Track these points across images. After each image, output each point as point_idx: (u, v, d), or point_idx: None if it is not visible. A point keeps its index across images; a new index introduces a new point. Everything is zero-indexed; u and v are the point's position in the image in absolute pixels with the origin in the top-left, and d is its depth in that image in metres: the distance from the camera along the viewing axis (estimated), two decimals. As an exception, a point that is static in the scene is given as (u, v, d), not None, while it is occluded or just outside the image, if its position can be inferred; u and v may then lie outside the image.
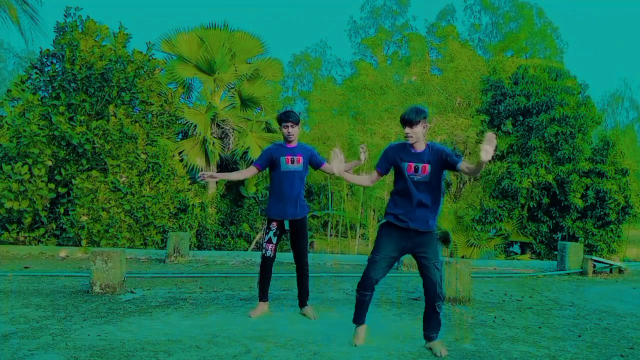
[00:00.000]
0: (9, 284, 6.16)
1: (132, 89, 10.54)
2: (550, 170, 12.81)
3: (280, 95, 27.37)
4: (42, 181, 9.44)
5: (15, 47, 36.45)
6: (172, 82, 13.92)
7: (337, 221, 20.71)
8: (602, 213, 12.44)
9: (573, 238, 12.54)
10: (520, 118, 13.76)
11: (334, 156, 3.88)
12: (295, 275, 5.00)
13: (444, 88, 18.21)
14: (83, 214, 9.44)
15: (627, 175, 12.64)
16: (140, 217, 9.82)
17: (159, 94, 11.37)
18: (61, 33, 10.55)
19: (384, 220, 3.95)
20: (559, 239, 12.94)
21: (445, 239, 14.00)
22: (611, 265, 8.52)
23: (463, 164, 3.79)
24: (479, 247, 13.00)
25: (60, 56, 10.46)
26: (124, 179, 9.84)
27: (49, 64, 10.60)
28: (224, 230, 13.57)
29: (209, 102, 13.94)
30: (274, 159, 4.77)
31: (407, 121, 3.74)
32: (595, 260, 8.41)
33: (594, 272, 8.27)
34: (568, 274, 8.17)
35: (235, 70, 14.38)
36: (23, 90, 10.36)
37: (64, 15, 10.60)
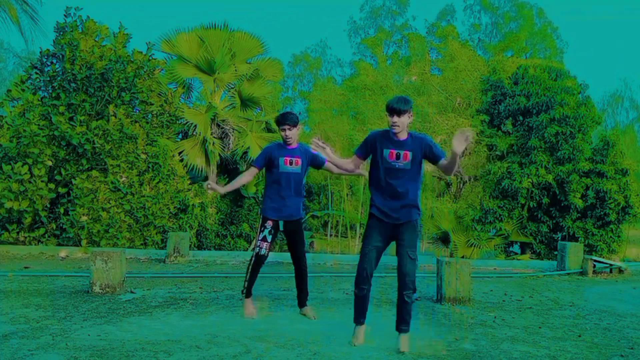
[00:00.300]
0: (9, 284, 6.16)
1: (132, 89, 10.54)
2: (550, 170, 12.81)
3: (280, 95, 27.39)
4: (42, 181, 9.44)
5: (15, 47, 36.42)
6: (172, 82, 13.91)
7: (337, 221, 20.70)
8: (602, 213, 12.43)
9: (573, 238, 12.53)
10: (520, 118, 13.76)
11: (316, 145, 4.04)
12: (294, 275, 4.99)
13: (444, 88, 18.20)
14: (83, 214, 9.44)
15: (627, 175, 12.63)
16: (140, 217, 9.82)
17: (159, 94, 11.37)
18: (61, 33, 10.55)
19: (369, 213, 4.06)
20: (559, 239, 12.93)
21: (445, 239, 14.00)
22: (611, 265, 8.52)
23: (443, 161, 3.88)
24: (479, 247, 13.00)
25: (60, 56, 10.46)
26: (124, 179, 9.84)
27: (49, 64, 10.60)
28: (224, 230, 13.57)
29: (209, 102, 13.94)
30: (272, 158, 4.75)
31: (396, 110, 3.79)
32: (595, 260, 8.41)
33: (594, 272, 8.27)
34: (568, 274, 8.17)
35: (235, 70, 14.37)
36: (23, 90, 10.36)
37: (64, 15, 10.61)
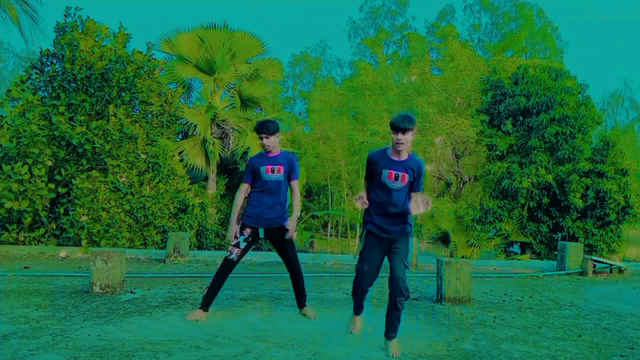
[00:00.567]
0: (9, 284, 6.16)
1: (132, 89, 10.54)
2: (550, 170, 12.81)
3: (280, 95, 27.40)
4: (42, 181, 9.44)
5: (15, 47, 36.45)
6: (172, 82, 13.92)
7: (337, 221, 20.71)
8: (602, 213, 12.43)
9: (573, 238, 12.53)
10: (520, 118, 13.76)
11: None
12: (290, 278, 4.96)
13: (444, 88, 18.21)
14: (83, 214, 9.44)
15: (627, 175, 12.63)
16: (140, 217, 9.82)
17: (159, 94, 11.37)
18: (61, 33, 10.55)
19: (366, 230, 4.08)
20: (559, 239, 12.93)
21: (445, 239, 14.00)
22: (611, 265, 8.52)
23: (414, 196, 3.93)
24: (479, 247, 13.00)
25: (60, 56, 10.46)
26: (124, 179, 9.84)
27: (49, 64, 10.60)
28: (224, 230, 13.55)
29: (209, 102, 13.94)
30: (255, 169, 4.72)
31: (402, 129, 3.82)
32: (595, 260, 8.42)
33: (594, 272, 8.27)
34: (568, 274, 8.17)
35: (235, 70, 14.38)
36: (23, 90, 10.36)
37: (64, 15, 10.61)
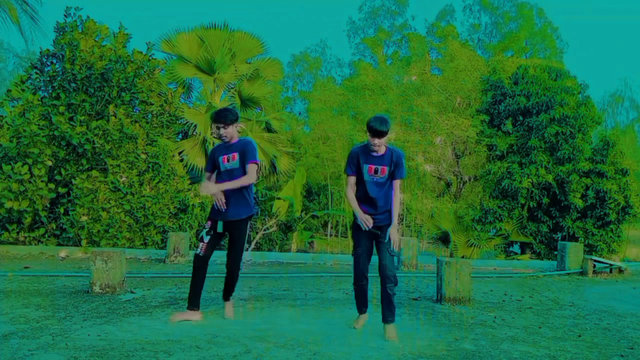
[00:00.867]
0: (9, 284, 6.16)
1: (132, 89, 10.54)
2: (550, 170, 12.81)
3: (280, 95, 27.41)
4: (42, 181, 9.44)
5: (15, 47, 36.43)
6: (172, 82, 13.92)
7: (337, 221, 20.70)
8: (602, 213, 12.44)
9: (573, 238, 12.54)
10: (520, 118, 13.76)
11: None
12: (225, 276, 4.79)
13: (444, 88, 18.21)
14: (83, 214, 9.44)
15: (627, 175, 12.64)
16: (140, 217, 9.82)
17: (159, 94, 11.36)
18: (61, 33, 10.55)
19: (354, 220, 4.46)
20: (559, 239, 12.94)
21: (445, 239, 14.00)
22: (611, 265, 8.52)
23: (396, 183, 4.36)
24: (479, 247, 13.00)
25: (60, 56, 10.46)
26: (124, 179, 9.84)
27: (49, 64, 10.59)
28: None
29: (209, 102, 13.94)
30: (215, 159, 4.61)
31: (378, 132, 4.16)
32: (595, 260, 8.42)
33: (594, 272, 8.27)
34: (568, 274, 8.17)
35: (235, 70, 14.38)
36: (23, 90, 10.36)
37: (64, 15, 10.60)
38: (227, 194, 4.51)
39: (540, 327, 4.84)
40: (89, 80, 10.16)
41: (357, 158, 4.34)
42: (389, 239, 4.26)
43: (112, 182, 9.72)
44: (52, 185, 9.62)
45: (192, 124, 13.21)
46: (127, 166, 9.98)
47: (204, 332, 4.31)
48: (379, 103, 18.11)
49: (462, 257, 12.59)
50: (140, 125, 10.34)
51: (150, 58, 11.20)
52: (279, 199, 16.15)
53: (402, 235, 15.15)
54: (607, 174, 12.51)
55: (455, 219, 13.70)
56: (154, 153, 10.31)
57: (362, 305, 4.55)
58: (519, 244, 14.26)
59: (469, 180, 17.85)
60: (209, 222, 4.64)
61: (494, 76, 14.84)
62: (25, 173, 9.22)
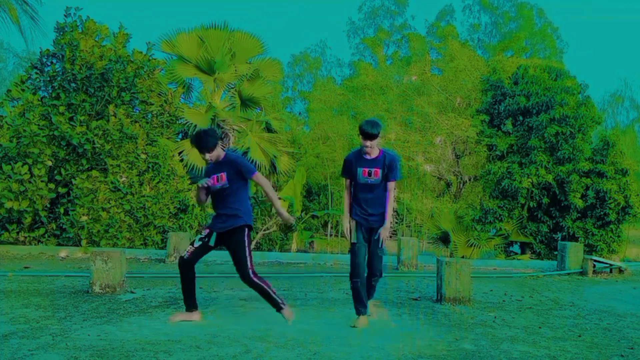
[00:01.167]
0: (9, 284, 6.16)
1: (132, 89, 10.53)
2: (550, 170, 12.80)
3: (280, 95, 27.39)
4: (42, 181, 9.44)
5: (15, 47, 36.41)
6: (172, 82, 13.92)
7: (337, 221, 20.69)
8: (602, 213, 12.43)
9: (573, 238, 12.53)
10: (520, 118, 13.75)
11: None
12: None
13: (444, 88, 18.21)
14: (83, 214, 9.44)
15: (627, 175, 12.62)
16: (140, 217, 9.82)
17: (159, 94, 11.36)
18: (61, 33, 10.54)
19: (353, 218, 4.75)
20: (559, 239, 12.93)
21: (445, 239, 14.00)
22: (611, 265, 8.52)
23: (391, 185, 4.58)
24: (479, 247, 12.99)
25: (60, 56, 10.45)
26: (124, 179, 9.84)
27: (49, 64, 10.59)
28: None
29: (209, 102, 13.94)
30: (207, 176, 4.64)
31: (370, 135, 4.38)
32: (595, 260, 8.42)
33: (594, 272, 8.27)
34: (568, 274, 8.17)
35: (235, 70, 14.38)
36: (23, 90, 10.35)
37: (64, 15, 10.60)
38: (221, 209, 4.62)
39: (540, 327, 4.84)
40: (89, 80, 10.16)
41: (351, 163, 4.60)
42: (379, 238, 4.58)
43: (112, 182, 9.72)
44: (52, 185, 9.62)
45: (192, 124, 13.21)
46: (127, 166, 9.97)
47: (204, 332, 4.31)
48: (379, 103, 18.11)
49: (462, 257, 12.59)
50: (140, 125, 10.34)
51: (150, 58, 11.20)
52: (279, 198, 16.13)
53: (402, 236, 15.15)
54: (607, 174, 12.50)
55: (455, 219, 13.69)
56: (154, 153, 10.31)
57: (361, 305, 4.61)
58: (519, 244, 14.25)
59: (469, 180, 17.85)
60: (206, 230, 4.68)
61: (494, 76, 14.83)
62: (25, 173, 9.22)
